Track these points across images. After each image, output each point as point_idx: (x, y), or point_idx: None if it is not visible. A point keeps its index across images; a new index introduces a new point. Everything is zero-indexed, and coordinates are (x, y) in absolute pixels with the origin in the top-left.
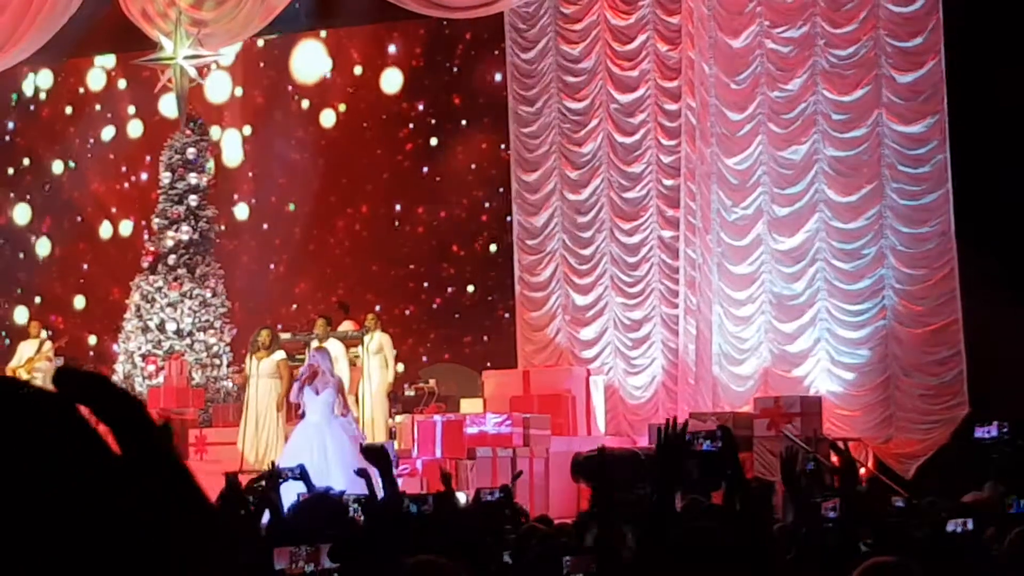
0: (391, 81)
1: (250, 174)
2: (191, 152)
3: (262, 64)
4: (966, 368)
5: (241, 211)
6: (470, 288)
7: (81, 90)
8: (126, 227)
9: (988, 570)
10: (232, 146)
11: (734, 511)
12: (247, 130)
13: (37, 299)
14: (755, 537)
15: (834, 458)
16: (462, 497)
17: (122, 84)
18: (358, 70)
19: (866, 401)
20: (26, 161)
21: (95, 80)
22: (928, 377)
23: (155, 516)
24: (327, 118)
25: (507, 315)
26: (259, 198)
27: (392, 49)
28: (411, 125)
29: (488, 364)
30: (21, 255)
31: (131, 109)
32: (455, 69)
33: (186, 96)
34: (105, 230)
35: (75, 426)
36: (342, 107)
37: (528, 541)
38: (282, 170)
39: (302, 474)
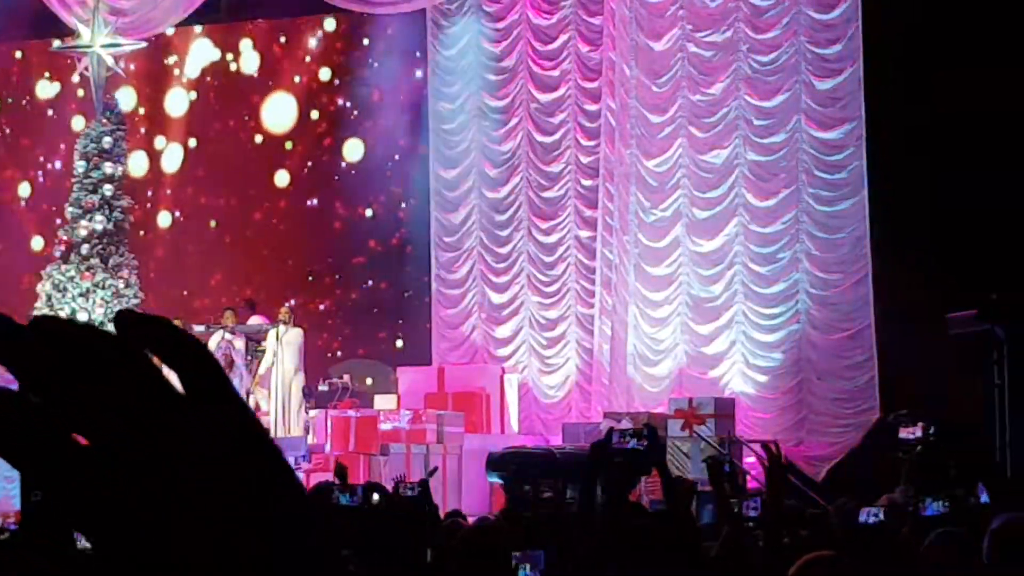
0: (313, 75)
1: (166, 169)
2: (107, 141)
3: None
4: (878, 373)
5: (157, 201)
6: (385, 284)
7: None
8: (40, 215)
9: (905, 563)
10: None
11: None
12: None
13: None
14: (686, 534)
15: (749, 460)
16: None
17: (40, 70)
18: (278, 63)
19: (779, 404)
20: None
21: (11, 66)
22: (841, 381)
23: (230, 450)
24: (247, 111)
25: (423, 312)
26: (176, 192)
27: (313, 43)
28: (331, 120)
29: (403, 360)
30: None
31: (47, 95)
32: (376, 64)
33: (103, 85)
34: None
35: (144, 369)
36: (274, 98)
37: (451, 538)
38: (199, 162)
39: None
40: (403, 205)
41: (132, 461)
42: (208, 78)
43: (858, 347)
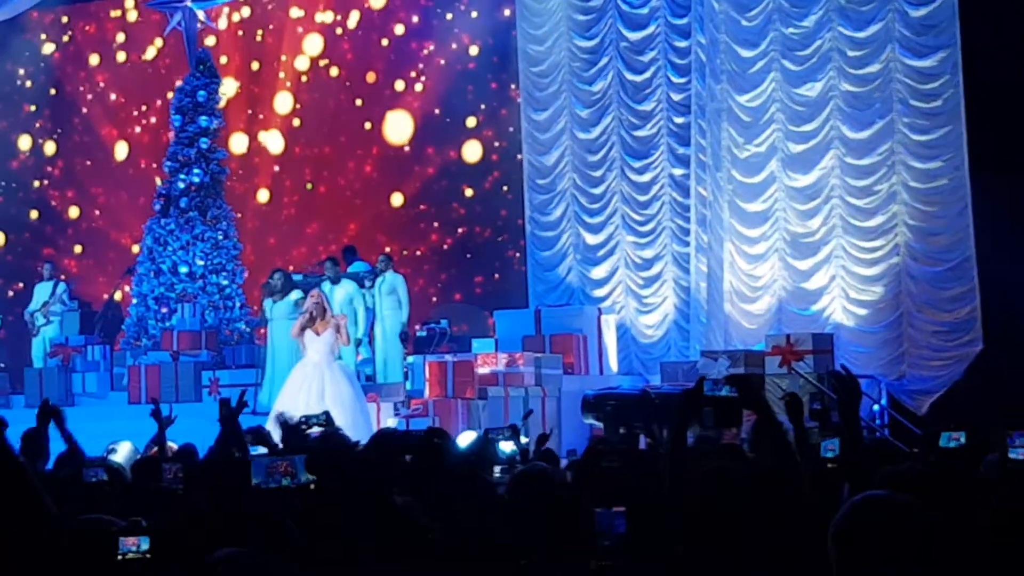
0: (402, 21)
1: (260, 116)
2: (201, 95)
3: (271, 6)
4: (980, 304)
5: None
6: (479, 228)
7: (91, 32)
8: (139, 170)
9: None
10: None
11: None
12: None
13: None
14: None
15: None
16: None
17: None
18: (355, 14)
19: (880, 338)
20: (37, 107)
21: (108, 24)
22: (942, 314)
23: None
24: (335, 60)
25: (518, 255)
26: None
27: None
28: (421, 65)
29: (499, 304)
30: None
31: (141, 52)
32: (463, 8)
33: (195, 39)
34: (120, 172)
35: None
36: (356, 44)
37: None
38: (294, 113)
39: (327, 420)
40: (495, 148)
41: None
42: (300, 29)
43: (959, 278)
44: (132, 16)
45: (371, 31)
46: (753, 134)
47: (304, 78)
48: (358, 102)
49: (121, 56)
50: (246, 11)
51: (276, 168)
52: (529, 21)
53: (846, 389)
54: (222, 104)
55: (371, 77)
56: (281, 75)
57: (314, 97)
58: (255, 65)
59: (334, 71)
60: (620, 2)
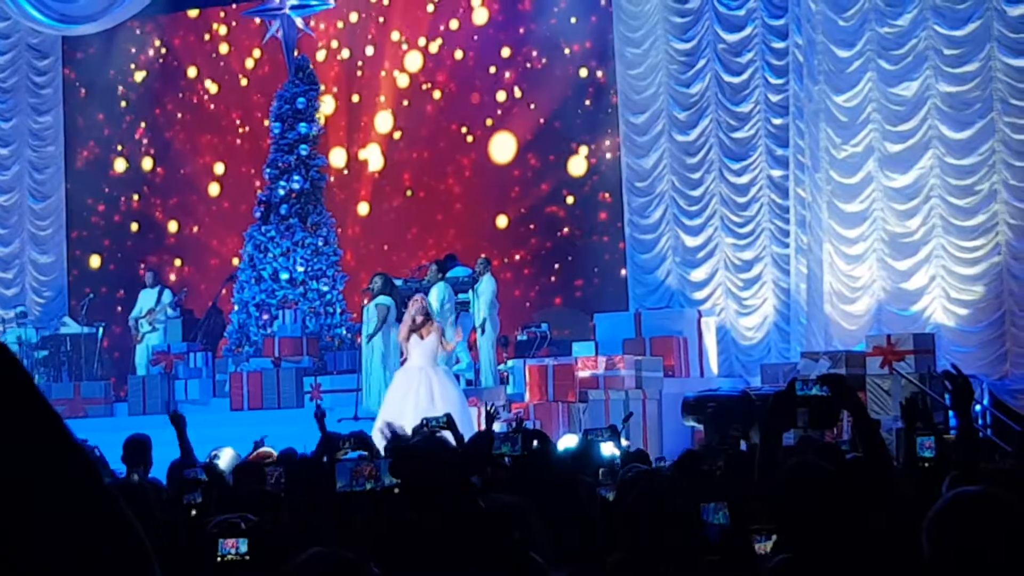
0: (497, 24)
1: (362, 123)
2: (300, 102)
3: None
4: None
5: (347, 159)
6: (579, 232)
7: (189, 42)
8: (239, 178)
9: None
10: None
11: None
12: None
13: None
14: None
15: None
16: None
17: (231, 34)
18: (456, 18)
19: (982, 338)
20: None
21: (205, 32)
22: None
23: (27, 463)
24: (437, 64)
25: (617, 258)
26: (365, 131)
27: None
28: (518, 69)
29: (599, 307)
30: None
31: (240, 60)
32: (558, 9)
33: (294, 46)
34: (216, 181)
35: None
36: (458, 53)
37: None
38: (392, 119)
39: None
40: (594, 152)
41: None
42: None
43: None
44: (230, 25)
45: (471, 37)
46: (850, 134)
47: (404, 84)
48: (457, 110)
49: (220, 64)
50: (345, 22)
51: (376, 176)
52: (626, 24)
53: (959, 389)
54: (321, 116)
55: (470, 86)
56: (381, 88)
57: (414, 105)
58: (356, 73)
59: (433, 79)
60: (717, 4)
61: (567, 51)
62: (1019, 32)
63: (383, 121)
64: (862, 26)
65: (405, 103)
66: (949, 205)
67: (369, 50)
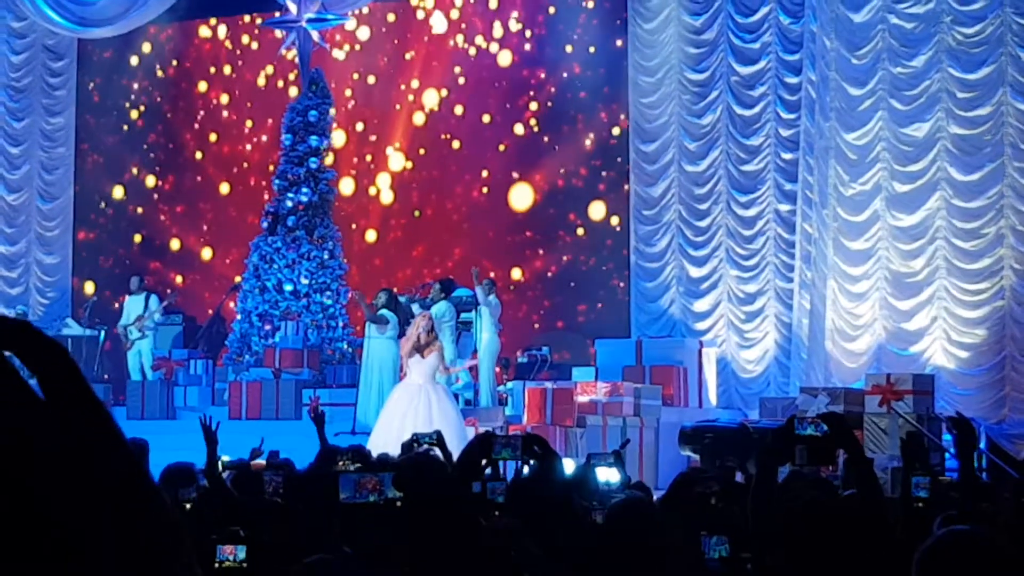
0: (514, 48)
1: (372, 138)
2: (312, 115)
3: (383, 29)
4: None
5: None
6: (583, 257)
7: (204, 50)
8: (248, 188)
9: None
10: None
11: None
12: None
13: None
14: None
15: (948, 438)
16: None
17: (249, 45)
18: (479, 40)
19: (981, 381)
20: (144, 121)
21: (220, 42)
22: None
23: (79, 456)
24: (445, 86)
25: (621, 285)
26: (377, 163)
27: (514, 15)
28: (531, 93)
29: (601, 333)
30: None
31: (255, 71)
32: (575, 37)
33: (309, 59)
34: (225, 191)
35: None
36: (461, 77)
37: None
38: (400, 136)
39: (438, 440)
40: (602, 177)
41: None
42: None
43: None
44: (247, 35)
45: (484, 60)
46: (859, 172)
47: (411, 99)
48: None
49: (233, 75)
50: (360, 38)
51: (385, 202)
52: (641, 52)
53: (963, 432)
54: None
55: (482, 106)
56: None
57: (426, 127)
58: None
59: (444, 98)
60: (732, 37)
61: (582, 78)
62: None
63: (395, 159)
64: (875, 65)
65: (419, 137)
66: (954, 247)
67: (383, 83)
